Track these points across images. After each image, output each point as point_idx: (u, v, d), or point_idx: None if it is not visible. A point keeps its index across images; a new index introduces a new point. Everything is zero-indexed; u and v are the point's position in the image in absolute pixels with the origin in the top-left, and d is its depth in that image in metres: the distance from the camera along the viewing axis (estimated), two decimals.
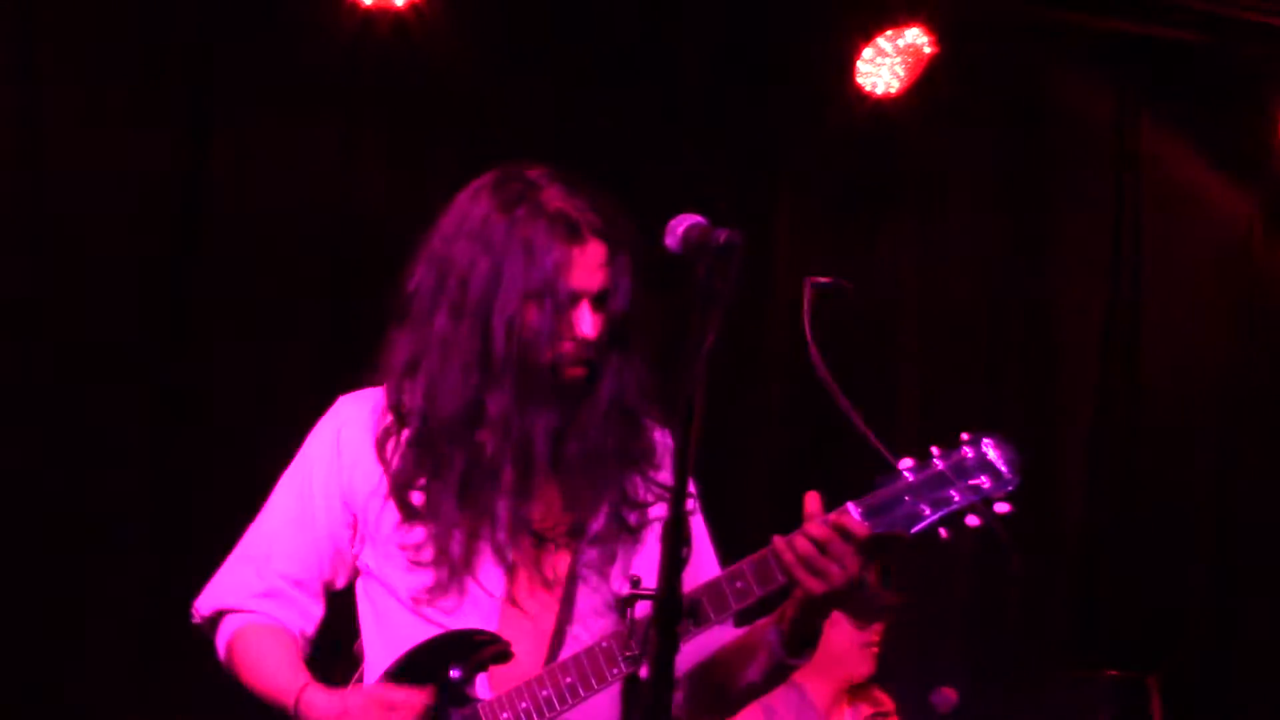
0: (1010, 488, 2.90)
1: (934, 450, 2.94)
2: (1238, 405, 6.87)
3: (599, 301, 3.23)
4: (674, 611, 2.57)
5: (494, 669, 3.15)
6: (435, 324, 3.28)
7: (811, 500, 2.98)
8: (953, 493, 2.90)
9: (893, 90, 6.56)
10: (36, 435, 5.59)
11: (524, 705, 3.10)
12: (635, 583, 2.92)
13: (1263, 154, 6.80)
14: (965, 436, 2.94)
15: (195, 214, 5.90)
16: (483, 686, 3.15)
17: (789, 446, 6.45)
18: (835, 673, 5.18)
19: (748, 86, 6.55)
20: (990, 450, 2.91)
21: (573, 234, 3.22)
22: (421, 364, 3.28)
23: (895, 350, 6.74)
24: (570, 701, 3.09)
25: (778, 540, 2.98)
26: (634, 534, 3.28)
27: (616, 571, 3.28)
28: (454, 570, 3.19)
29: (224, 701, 3.45)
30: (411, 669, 3.18)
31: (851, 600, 4.93)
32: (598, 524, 3.26)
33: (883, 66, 6.53)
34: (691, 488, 3.28)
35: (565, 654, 3.17)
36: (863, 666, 5.20)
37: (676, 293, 3.02)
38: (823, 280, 3.09)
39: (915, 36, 6.45)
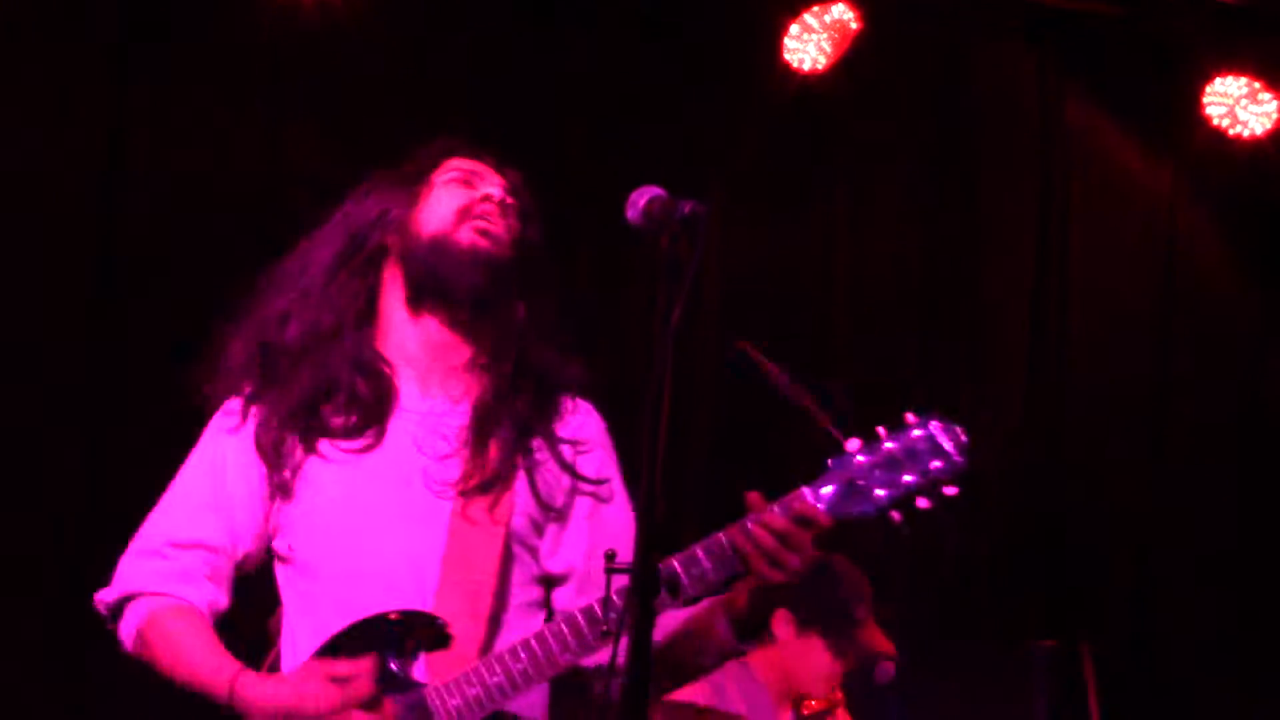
0: (960, 471, 2.87)
1: (881, 431, 2.89)
2: (1164, 377, 6.92)
3: (506, 196, 3.22)
4: (652, 584, 2.53)
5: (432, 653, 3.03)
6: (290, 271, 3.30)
7: (755, 496, 2.91)
8: (905, 476, 2.86)
9: (820, 66, 6.56)
10: None
11: (474, 692, 2.99)
12: (610, 556, 2.84)
13: (1185, 127, 6.84)
14: (911, 418, 2.90)
15: (114, 206, 5.84)
16: (420, 670, 3.02)
17: (720, 428, 6.45)
18: (790, 686, 5.10)
19: (673, 64, 6.53)
20: (939, 433, 2.87)
21: (459, 149, 3.26)
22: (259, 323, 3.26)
23: (828, 325, 6.73)
24: (523, 687, 2.99)
25: (734, 530, 2.90)
26: (555, 513, 3.21)
27: (545, 553, 3.22)
28: (366, 539, 3.10)
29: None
30: (343, 651, 3.03)
31: (804, 597, 4.94)
32: (520, 490, 3.16)
33: (809, 42, 6.54)
34: (615, 470, 3.30)
35: (504, 635, 3.09)
36: (820, 688, 5.14)
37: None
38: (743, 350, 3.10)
39: (841, 12, 6.46)
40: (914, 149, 6.88)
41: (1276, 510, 6.76)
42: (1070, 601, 6.62)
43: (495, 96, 6.18)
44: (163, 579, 3.18)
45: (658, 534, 2.56)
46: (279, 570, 3.24)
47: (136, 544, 3.24)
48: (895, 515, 2.87)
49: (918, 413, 2.90)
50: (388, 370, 3.20)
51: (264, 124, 6.08)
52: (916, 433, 2.88)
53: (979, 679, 6.13)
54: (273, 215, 5.90)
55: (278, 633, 3.24)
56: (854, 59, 6.53)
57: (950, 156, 6.91)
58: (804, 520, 2.87)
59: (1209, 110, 6.76)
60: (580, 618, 2.99)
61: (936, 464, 2.86)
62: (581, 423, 3.28)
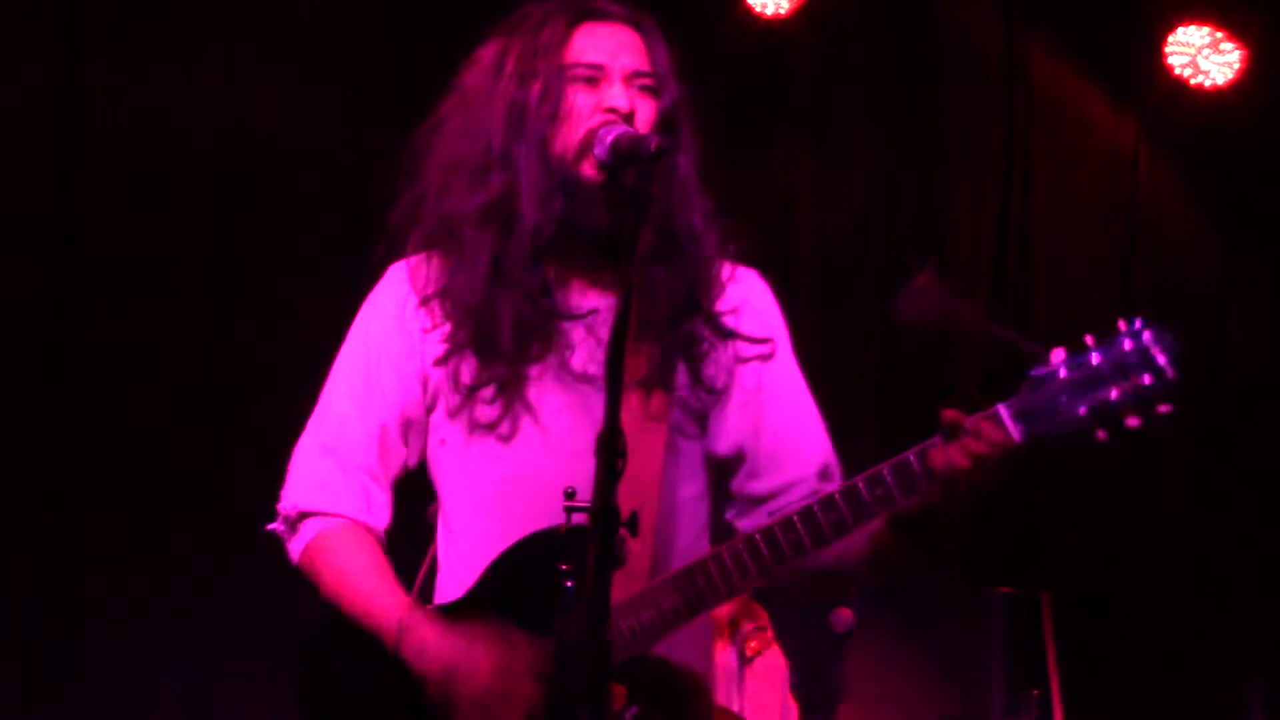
0: (1174, 386, 2.68)
1: (1088, 340, 2.73)
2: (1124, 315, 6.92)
3: (635, 81, 3.05)
4: (611, 524, 2.46)
5: None
6: (440, 150, 3.10)
7: (951, 414, 2.80)
8: (1112, 391, 2.70)
9: (782, 10, 6.52)
10: None
11: (647, 615, 2.92)
12: (570, 494, 2.73)
13: (1146, 76, 6.83)
14: (1123, 325, 2.71)
15: (73, 131, 5.77)
16: None
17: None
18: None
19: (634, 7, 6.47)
20: (1151, 343, 2.68)
21: (589, 13, 3.06)
22: (430, 195, 3.09)
23: (791, 266, 6.71)
24: (698, 609, 2.93)
25: (925, 452, 2.82)
26: (718, 395, 3.10)
27: (711, 435, 3.11)
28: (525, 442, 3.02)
29: None
30: (515, 567, 2.97)
31: None
32: (680, 381, 3.05)
33: None
34: (782, 335, 3.19)
35: (674, 544, 3.03)
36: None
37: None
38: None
39: None
40: (877, 97, 6.84)
41: (1236, 459, 6.78)
42: (1030, 550, 6.63)
43: (461, 32, 6.11)
44: (341, 497, 3.11)
45: (617, 469, 2.49)
46: (438, 462, 3.15)
47: (309, 451, 3.16)
48: (1100, 434, 2.73)
49: (1129, 319, 2.73)
50: (553, 288, 3.07)
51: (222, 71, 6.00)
52: (1126, 343, 2.69)
53: (936, 626, 6.13)
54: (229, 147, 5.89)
55: (434, 523, 3.19)
56: (817, 4, 6.49)
57: (913, 104, 6.88)
58: (997, 444, 2.78)
59: (1171, 60, 6.76)
60: (759, 538, 2.90)
61: (1144, 378, 2.68)
62: (743, 292, 3.18)
